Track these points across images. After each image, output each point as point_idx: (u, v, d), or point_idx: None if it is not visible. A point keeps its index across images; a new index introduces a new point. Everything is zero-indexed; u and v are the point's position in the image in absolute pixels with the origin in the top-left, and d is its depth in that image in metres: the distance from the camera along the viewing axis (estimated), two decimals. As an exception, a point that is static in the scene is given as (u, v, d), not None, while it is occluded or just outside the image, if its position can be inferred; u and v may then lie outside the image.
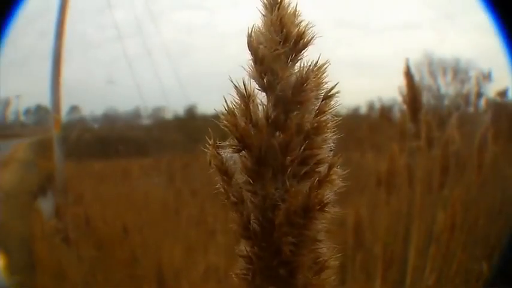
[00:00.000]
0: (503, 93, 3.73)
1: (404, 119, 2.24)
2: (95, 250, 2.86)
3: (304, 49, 0.43)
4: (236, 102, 0.43)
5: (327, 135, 0.42)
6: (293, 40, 0.43)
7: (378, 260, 2.26)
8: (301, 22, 0.43)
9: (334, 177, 0.41)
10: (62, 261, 2.72)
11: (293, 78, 0.42)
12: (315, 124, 0.41)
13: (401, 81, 2.13)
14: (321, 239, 0.44)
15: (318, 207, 0.42)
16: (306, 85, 0.42)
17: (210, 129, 0.43)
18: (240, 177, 0.44)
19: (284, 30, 0.42)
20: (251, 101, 0.43)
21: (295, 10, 0.44)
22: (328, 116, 0.42)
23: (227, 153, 0.44)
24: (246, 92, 0.43)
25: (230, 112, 0.43)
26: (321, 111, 0.41)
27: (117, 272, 2.80)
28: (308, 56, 0.44)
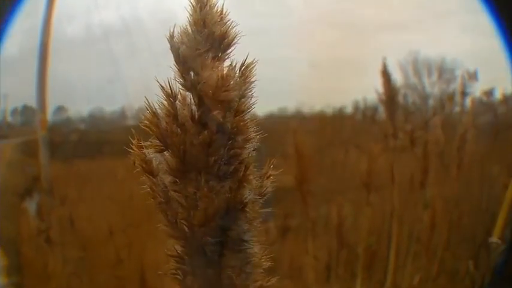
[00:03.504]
0: (489, 93, 3.74)
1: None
2: (79, 251, 2.84)
3: (228, 49, 0.43)
4: (162, 103, 0.43)
5: (248, 135, 0.42)
6: (217, 40, 0.43)
7: (360, 259, 2.27)
8: (226, 22, 0.43)
9: (250, 177, 0.41)
10: (48, 262, 2.70)
11: (214, 77, 0.42)
12: (235, 124, 0.41)
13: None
14: (247, 239, 0.43)
15: (240, 207, 0.41)
16: (228, 84, 0.42)
17: (133, 130, 0.43)
18: (165, 177, 0.43)
19: (206, 30, 0.42)
20: (178, 101, 0.43)
21: (221, 10, 0.44)
22: (247, 116, 0.42)
23: (151, 153, 0.43)
24: (171, 91, 0.43)
25: (151, 112, 0.42)
26: (239, 111, 0.41)
27: (101, 273, 2.79)
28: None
